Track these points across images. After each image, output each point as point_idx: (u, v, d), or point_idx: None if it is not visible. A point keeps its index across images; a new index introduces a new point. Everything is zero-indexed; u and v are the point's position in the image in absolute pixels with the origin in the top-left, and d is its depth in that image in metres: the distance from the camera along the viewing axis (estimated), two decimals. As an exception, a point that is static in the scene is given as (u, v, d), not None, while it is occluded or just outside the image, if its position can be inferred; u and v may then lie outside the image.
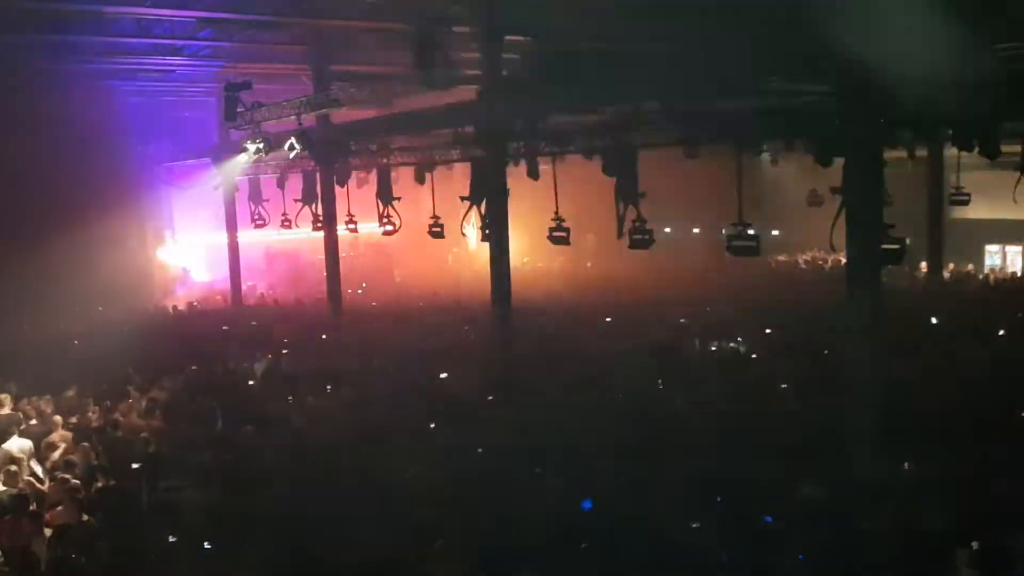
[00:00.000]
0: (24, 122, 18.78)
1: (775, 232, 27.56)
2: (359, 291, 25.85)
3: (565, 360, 14.56)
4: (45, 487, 9.86)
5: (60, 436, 11.66)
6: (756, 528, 7.72)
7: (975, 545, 6.74)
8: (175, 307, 22.93)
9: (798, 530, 7.59)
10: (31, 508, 9.01)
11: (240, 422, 11.97)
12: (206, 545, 8.17)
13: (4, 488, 9.59)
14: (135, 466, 10.16)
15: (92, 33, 15.43)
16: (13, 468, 10.18)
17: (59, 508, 9.07)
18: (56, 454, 10.77)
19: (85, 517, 8.90)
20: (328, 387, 13.69)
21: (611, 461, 9.44)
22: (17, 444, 10.83)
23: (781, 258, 28.96)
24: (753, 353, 15.10)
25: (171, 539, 8.31)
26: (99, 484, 9.82)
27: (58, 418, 12.29)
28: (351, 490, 9.08)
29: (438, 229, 17.42)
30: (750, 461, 9.35)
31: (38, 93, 18.66)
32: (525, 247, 26.50)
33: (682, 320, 18.18)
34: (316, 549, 7.78)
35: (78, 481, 9.62)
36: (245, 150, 17.47)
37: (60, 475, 9.77)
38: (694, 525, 7.86)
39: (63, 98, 19.31)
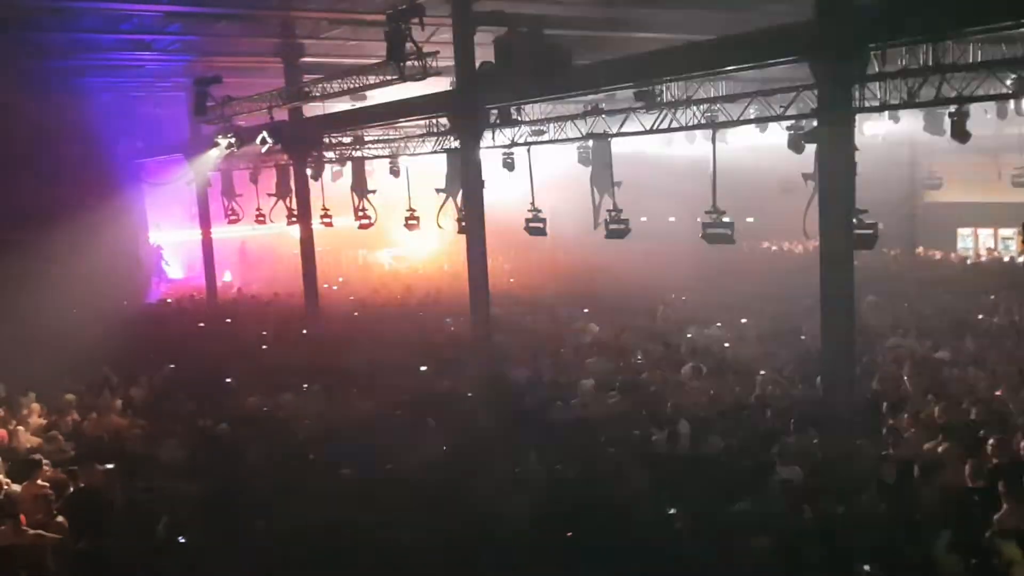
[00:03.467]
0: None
1: (750, 219, 27.68)
2: (334, 287, 25.68)
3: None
4: (15, 488, 9.71)
5: (33, 434, 11.56)
6: (731, 512, 7.75)
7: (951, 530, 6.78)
8: (151, 304, 22.75)
9: (774, 514, 7.63)
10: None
11: (218, 419, 11.88)
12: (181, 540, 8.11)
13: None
14: (109, 467, 10.04)
15: (59, 29, 15.15)
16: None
17: (32, 509, 8.96)
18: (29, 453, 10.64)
19: (60, 519, 8.78)
20: (305, 385, 13.60)
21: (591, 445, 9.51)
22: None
23: (767, 245, 29.16)
24: (728, 341, 15.21)
25: (153, 536, 8.26)
26: (72, 486, 9.69)
27: (38, 420, 12.18)
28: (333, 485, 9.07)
29: (414, 221, 17.36)
30: (725, 444, 9.45)
31: (7, 92, 18.34)
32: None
33: (661, 307, 18.28)
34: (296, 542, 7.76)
35: (47, 484, 9.50)
36: (216, 145, 17.31)
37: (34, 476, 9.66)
38: (671, 511, 7.90)
39: (33, 97, 19.02)
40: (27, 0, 13.29)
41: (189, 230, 25.88)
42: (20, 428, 11.81)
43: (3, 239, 18.17)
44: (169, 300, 23.52)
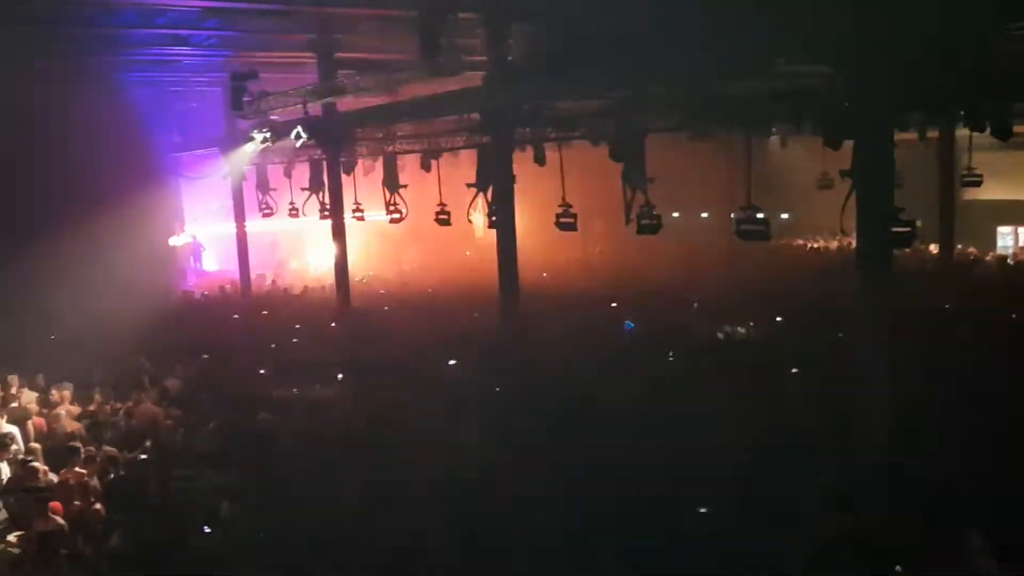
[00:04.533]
0: (36, 117, 18.83)
1: (784, 216, 27.43)
2: (363, 280, 25.81)
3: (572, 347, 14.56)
4: (52, 478, 9.92)
5: (70, 424, 11.80)
6: (766, 516, 7.69)
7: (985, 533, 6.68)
8: (187, 295, 23.08)
9: (810, 518, 7.56)
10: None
11: (252, 409, 12.05)
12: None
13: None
14: (143, 457, 10.23)
15: (98, 24, 15.38)
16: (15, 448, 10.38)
17: (72, 496, 9.16)
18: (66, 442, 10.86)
19: (98, 506, 8.96)
20: (339, 375, 13.72)
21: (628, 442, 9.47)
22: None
23: (801, 242, 28.85)
24: (761, 338, 15.06)
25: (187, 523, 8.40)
26: (111, 473, 9.89)
27: (73, 408, 12.43)
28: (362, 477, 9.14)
29: (445, 216, 17.40)
30: (762, 447, 9.35)
31: (47, 87, 18.66)
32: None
33: (695, 304, 18.16)
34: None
35: (85, 472, 9.71)
36: (252, 139, 17.48)
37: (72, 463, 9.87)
38: (702, 510, 7.86)
39: (72, 92, 19.32)
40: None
41: (223, 224, 26.19)
42: (61, 412, 12.07)
43: (42, 231, 18.49)
44: (205, 292, 23.79)
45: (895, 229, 8.95)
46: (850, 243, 20.38)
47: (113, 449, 10.63)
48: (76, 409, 12.65)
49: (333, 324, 18.37)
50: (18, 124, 18.60)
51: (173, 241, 26.42)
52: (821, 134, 10.80)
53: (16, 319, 16.86)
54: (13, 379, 13.53)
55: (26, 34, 15.23)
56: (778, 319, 16.23)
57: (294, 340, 17.12)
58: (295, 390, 13.25)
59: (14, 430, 11.46)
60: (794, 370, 12.41)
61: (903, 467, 8.26)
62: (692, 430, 9.82)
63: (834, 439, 9.04)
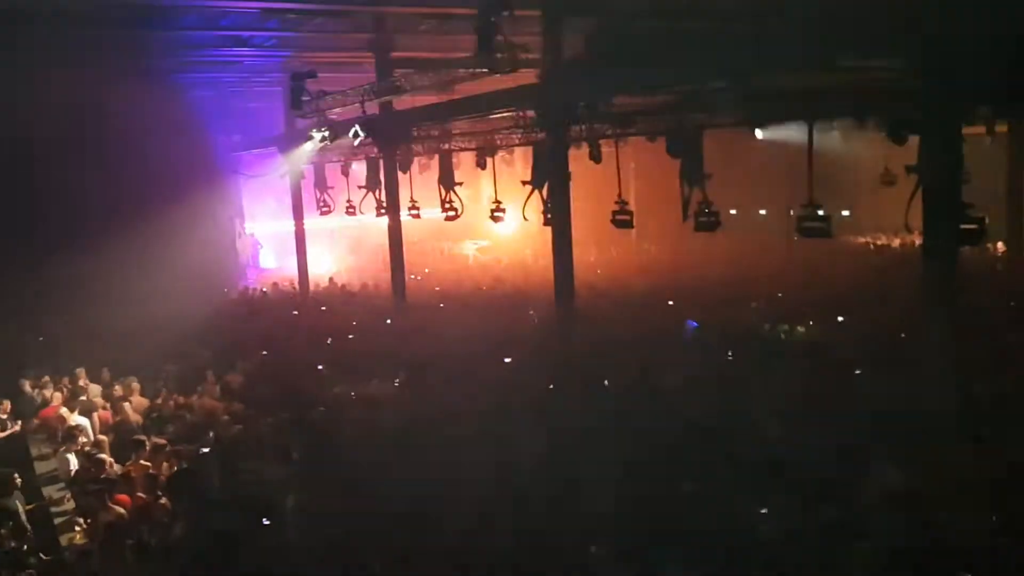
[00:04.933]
0: (103, 117, 19.40)
1: (845, 212, 26.80)
2: (418, 277, 25.97)
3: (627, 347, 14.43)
4: (117, 469, 10.19)
5: (135, 417, 12.11)
6: (827, 516, 7.54)
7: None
8: (246, 291, 23.55)
9: (872, 519, 7.39)
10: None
11: (310, 405, 12.22)
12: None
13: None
14: (205, 450, 10.44)
15: (163, 27, 15.76)
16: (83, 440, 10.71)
17: (135, 489, 9.41)
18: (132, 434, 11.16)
19: (162, 499, 9.18)
20: (397, 375, 13.81)
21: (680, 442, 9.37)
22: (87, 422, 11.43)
23: (864, 240, 28.17)
24: (825, 339, 14.73)
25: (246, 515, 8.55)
26: (175, 466, 10.12)
27: (139, 400, 12.78)
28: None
29: (500, 214, 17.44)
30: (823, 447, 9.16)
31: (115, 89, 19.18)
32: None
33: (753, 304, 17.86)
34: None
35: (149, 464, 9.97)
36: (311, 138, 17.73)
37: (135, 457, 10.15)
38: (762, 511, 7.73)
39: (136, 93, 19.82)
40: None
41: (282, 221, 26.63)
42: (127, 405, 12.41)
43: (110, 229, 19.03)
44: (264, 289, 24.23)
45: (964, 226, 8.68)
46: (913, 241, 19.86)
47: (177, 442, 10.89)
48: (143, 402, 13.00)
49: (388, 321, 18.53)
50: (86, 124, 19.21)
51: (234, 238, 26.98)
52: (887, 131, 10.53)
53: (84, 313, 17.41)
54: (81, 372, 13.97)
55: (95, 38, 15.69)
56: (840, 319, 15.88)
57: (349, 336, 17.31)
58: (351, 387, 13.38)
59: (84, 422, 11.84)
60: (857, 372, 12.12)
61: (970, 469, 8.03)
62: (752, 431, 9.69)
63: (901, 441, 8.81)
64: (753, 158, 24.13)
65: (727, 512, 7.71)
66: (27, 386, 13.69)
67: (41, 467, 11.33)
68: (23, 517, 9.11)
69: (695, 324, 15.82)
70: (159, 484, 9.46)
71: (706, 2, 14.50)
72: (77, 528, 9.28)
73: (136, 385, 13.37)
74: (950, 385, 8.83)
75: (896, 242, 26.91)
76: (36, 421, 12.76)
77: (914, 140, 9.55)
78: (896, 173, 18.57)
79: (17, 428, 12.46)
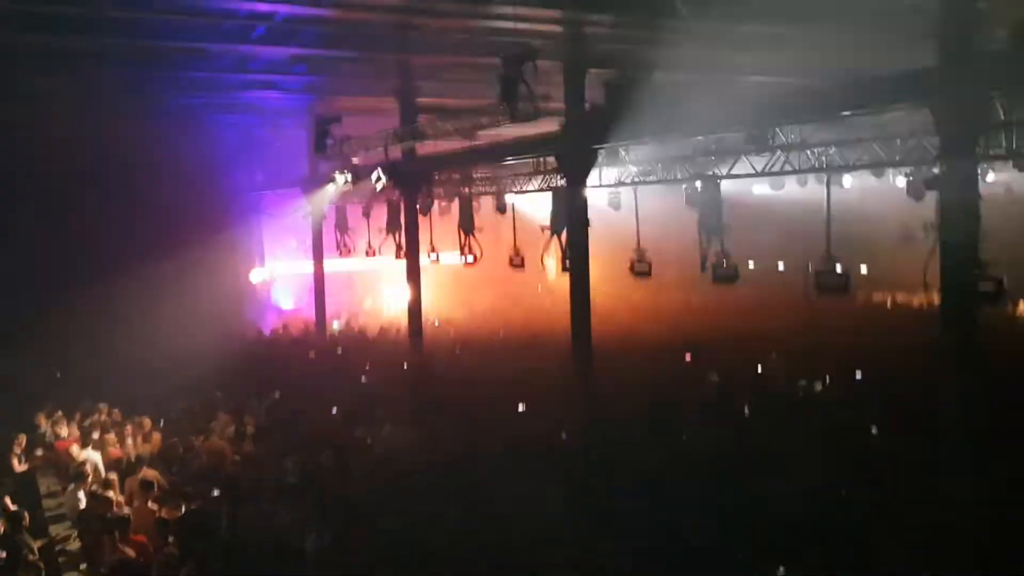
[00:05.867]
0: (127, 153, 19.73)
1: (863, 268, 26.55)
2: (436, 323, 25.86)
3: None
4: (125, 510, 10.11)
5: (145, 455, 12.07)
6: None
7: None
8: (262, 333, 23.60)
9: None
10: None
11: (322, 448, 12.16)
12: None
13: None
14: (215, 492, 10.37)
15: (195, 68, 16.06)
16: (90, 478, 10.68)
17: (143, 529, 9.33)
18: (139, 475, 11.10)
19: (170, 540, 9.10)
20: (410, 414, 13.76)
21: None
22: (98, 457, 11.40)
23: (881, 297, 27.80)
24: (839, 396, 14.53)
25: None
26: (183, 508, 10.04)
27: (153, 435, 12.77)
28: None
29: (519, 260, 17.46)
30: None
31: (141, 125, 19.52)
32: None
33: (773, 355, 17.67)
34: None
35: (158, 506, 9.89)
36: (333, 181, 17.93)
37: (143, 498, 10.08)
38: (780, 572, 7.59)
39: (164, 130, 20.18)
40: (168, 42, 14.15)
41: (301, 262, 26.76)
42: (137, 443, 12.40)
43: (129, 266, 19.22)
44: (278, 330, 24.27)
45: (982, 287, 8.58)
46: (932, 299, 19.60)
47: (187, 483, 10.84)
48: (154, 438, 12.98)
49: (405, 366, 18.50)
50: (110, 159, 19.56)
51: (253, 277, 27.14)
52: (908, 189, 10.55)
53: (99, 350, 17.51)
54: (103, 408, 13.97)
55: (126, 76, 16.03)
56: (857, 375, 15.66)
57: (362, 379, 17.28)
58: (363, 431, 13.33)
59: (97, 457, 11.81)
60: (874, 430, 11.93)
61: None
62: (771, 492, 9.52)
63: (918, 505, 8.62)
64: (770, 209, 24.10)
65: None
66: (42, 420, 13.72)
67: (49, 503, 11.30)
68: (35, 555, 9.03)
69: None
70: (168, 526, 9.39)
71: (725, 57, 14.69)
72: (81, 568, 9.19)
73: (148, 422, 13.36)
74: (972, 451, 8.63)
75: (915, 301, 26.56)
76: (46, 453, 12.74)
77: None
78: (914, 228, 18.47)
79: (27, 466, 12.44)
